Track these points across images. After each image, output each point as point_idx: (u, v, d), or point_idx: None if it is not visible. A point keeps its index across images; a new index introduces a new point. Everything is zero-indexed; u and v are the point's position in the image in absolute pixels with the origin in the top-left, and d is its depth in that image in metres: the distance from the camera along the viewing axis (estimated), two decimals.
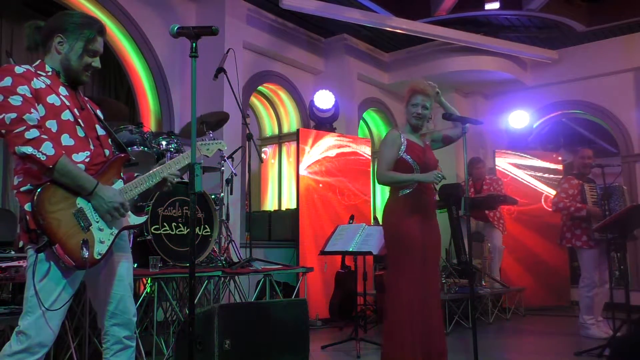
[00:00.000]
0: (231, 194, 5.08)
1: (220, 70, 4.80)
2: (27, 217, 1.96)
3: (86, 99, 2.32)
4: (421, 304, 3.28)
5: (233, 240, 4.90)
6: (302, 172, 6.14)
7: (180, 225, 4.13)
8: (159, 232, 4.00)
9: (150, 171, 2.29)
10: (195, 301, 2.24)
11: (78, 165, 2.07)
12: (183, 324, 3.44)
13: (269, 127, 8.06)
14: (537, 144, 9.05)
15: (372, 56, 8.24)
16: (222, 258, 4.54)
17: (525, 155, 7.72)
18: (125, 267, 2.25)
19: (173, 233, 4.09)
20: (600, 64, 7.96)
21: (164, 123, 6.03)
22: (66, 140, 2.08)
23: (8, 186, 6.17)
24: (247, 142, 4.90)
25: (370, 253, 4.44)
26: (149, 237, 3.89)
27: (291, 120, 7.81)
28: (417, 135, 3.53)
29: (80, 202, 2.05)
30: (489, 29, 7.67)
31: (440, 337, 3.35)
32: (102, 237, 2.08)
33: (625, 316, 4.10)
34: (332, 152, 6.42)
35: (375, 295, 5.90)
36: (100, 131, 2.24)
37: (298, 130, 6.38)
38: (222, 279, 4.41)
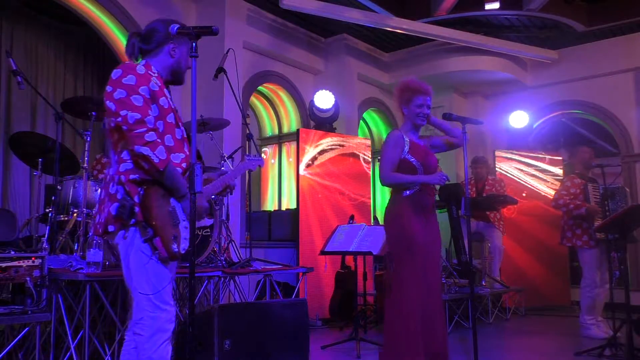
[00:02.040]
0: (231, 194, 5.06)
1: (220, 70, 4.81)
2: (136, 208, 2.14)
3: None
4: (423, 305, 3.27)
5: (233, 240, 4.90)
6: (302, 172, 6.14)
7: None
8: None
9: (222, 177, 2.51)
10: (195, 301, 2.28)
11: (177, 168, 2.25)
12: (183, 324, 3.44)
13: (269, 127, 8.06)
14: (537, 144, 9.04)
15: (372, 56, 8.24)
16: (222, 258, 4.54)
17: (525, 155, 7.72)
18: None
19: None
20: (600, 64, 7.96)
21: None
22: (168, 141, 2.26)
23: (8, 186, 6.17)
24: (247, 142, 4.90)
25: (370, 253, 4.43)
26: None
27: (291, 120, 7.81)
28: (418, 135, 3.53)
29: (173, 201, 2.25)
30: (489, 29, 7.66)
31: (443, 339, 3.33)
32: (186, 234, 2.26)
33: (625, 316, 4.10)
34: (332, 152, 6.42)
35: (375, 295, 5.90)
36: (184, 133, 2.41)
37: (298, 130, 6.38)
38: (222, 279, 4.41)
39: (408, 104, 3.48)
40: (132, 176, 2.17)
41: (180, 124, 2.34)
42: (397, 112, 3.67)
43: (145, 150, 2.11)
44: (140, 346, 2.19)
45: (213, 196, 2.51)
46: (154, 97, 2.22)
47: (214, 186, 2.48)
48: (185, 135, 2.39)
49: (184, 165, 2.29)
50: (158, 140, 2.15)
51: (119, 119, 2.13)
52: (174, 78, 2.42)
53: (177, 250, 2.19)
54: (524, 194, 7.45)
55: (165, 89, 2.32)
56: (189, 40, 2.33)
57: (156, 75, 2.30)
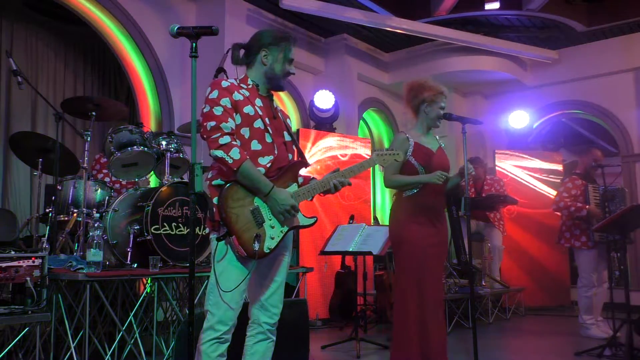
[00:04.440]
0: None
1: (220, 70, 4.80)
2: (214, 209, 2.30)
3: (279, 109, 2.63)
4: (422, 307, 3.24)
5: None
6: (302, 172, 6.12)
7: (180, 225, 4.13)
8: (159, 232, 3.99)
9: (324, 178, 2.54)
10: (195, 301, 2.30)
11: (260, 168, 2.36)
12: (183, 324, 3.43)
13: None
14: (537, 144, 9.05)
15: (372, 56, 8.24)
16: None
17: (525, 155, 7.72)
18: (284, 263, 2.51)
19: (173, 233, 4.09)
20: (600, 64, 7.96)
21: (164, 123, 6.03)
22: (255, 145, 2.39)
23: (8, 186, 6.17)
24: None
25: (370, 253, 4.43)
26: (149, 237, 3.88)
27: (291, 120, 7.80)
28: (429, 136, 3.47)
29: (257, 202, 2.35)
30: (489, 29, 7.67)
31: (442, 348, 3.26)
32: (272, 233, 2.35)
33: (625, 316, 4.10)
34: (332, 152, 6.42)
35: (375, 295, 5.90)
36: (287, 137, 2.56)
37: (298, 130, 6.37)
38: None
39: (431, 105, 3.40)
40: (214, 182, 2.35)
41: (270, 128, 2.42)
42: (407, 110, 3.57)
43: (219, 153, 2.26)
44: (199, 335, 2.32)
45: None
46: (236, 107, 2.36)
47: (312, 186, 2.52)
48: (288, 140, 2.53)
49: (268, 165, 2.38)
50: (233, 143, 2.28)
51: (202, 129, 2.31)
52: (271, 84, 2.52)
53: (257, 249, 2.26)
54: (526, 198, 7.44)
55: (258, 98, 2.45)
56: (284, 46, 2.48)
57: (249, 87, 2.45)
